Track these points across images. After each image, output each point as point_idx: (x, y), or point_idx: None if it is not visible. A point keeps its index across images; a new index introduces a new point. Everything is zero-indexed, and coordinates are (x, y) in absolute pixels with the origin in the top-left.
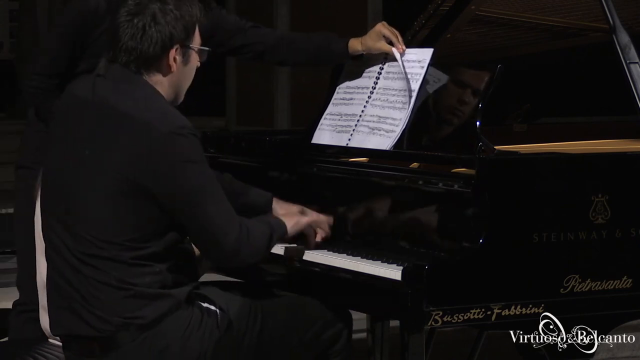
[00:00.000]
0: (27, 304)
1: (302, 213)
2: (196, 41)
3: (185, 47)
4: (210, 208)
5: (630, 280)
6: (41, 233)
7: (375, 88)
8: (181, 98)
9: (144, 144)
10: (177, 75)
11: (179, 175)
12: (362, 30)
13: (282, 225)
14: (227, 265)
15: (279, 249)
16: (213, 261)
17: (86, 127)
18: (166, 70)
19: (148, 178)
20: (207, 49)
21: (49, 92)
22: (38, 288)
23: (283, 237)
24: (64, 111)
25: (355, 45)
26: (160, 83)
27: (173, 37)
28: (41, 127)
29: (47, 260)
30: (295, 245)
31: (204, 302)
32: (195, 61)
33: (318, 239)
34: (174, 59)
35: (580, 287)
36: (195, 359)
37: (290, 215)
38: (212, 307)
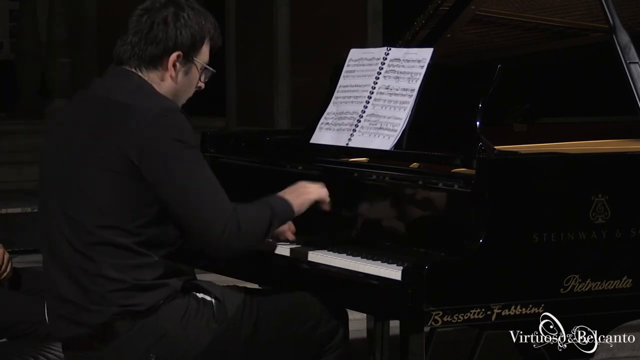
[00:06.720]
0: None
1: (305, 188)
2: (202, 57)
3: (187, 57)
4: (195, 194)
5: (630, 280)
6: None
7: (375, 88)
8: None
9: (133, 126)
10: (175, 83)
11: (166, 155)
12: (362, 30)
13: (287, 205)
14: (218, 256)
15: (284, 250)
16: (205, 249)
17: (80, 121)
18: (164, 74)
19: (141, 159)
20: (211, 69)
21: None
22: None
23: (290, 219)
24: (61, 116)
25: None
26: (157, 84)
27: (177, 42)
28: None
29: (45, 264)
30: (300, 245)
31: (199, 293)
32: (195, 76)
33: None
34: (174, 65)
35: (580, 287)
36: (192, 348)
37: (296, 193)
38: (208, 298)
